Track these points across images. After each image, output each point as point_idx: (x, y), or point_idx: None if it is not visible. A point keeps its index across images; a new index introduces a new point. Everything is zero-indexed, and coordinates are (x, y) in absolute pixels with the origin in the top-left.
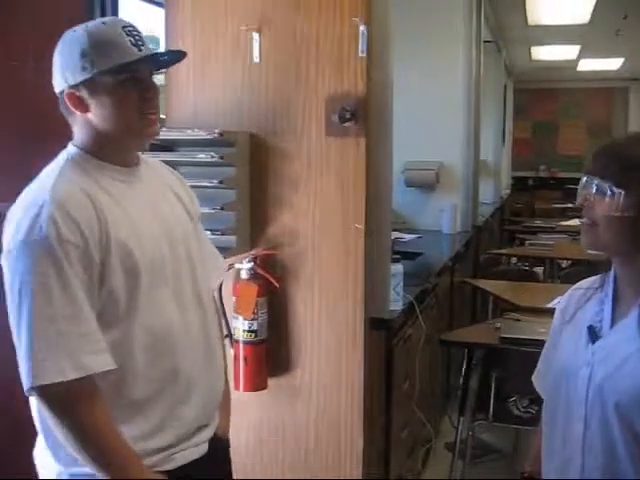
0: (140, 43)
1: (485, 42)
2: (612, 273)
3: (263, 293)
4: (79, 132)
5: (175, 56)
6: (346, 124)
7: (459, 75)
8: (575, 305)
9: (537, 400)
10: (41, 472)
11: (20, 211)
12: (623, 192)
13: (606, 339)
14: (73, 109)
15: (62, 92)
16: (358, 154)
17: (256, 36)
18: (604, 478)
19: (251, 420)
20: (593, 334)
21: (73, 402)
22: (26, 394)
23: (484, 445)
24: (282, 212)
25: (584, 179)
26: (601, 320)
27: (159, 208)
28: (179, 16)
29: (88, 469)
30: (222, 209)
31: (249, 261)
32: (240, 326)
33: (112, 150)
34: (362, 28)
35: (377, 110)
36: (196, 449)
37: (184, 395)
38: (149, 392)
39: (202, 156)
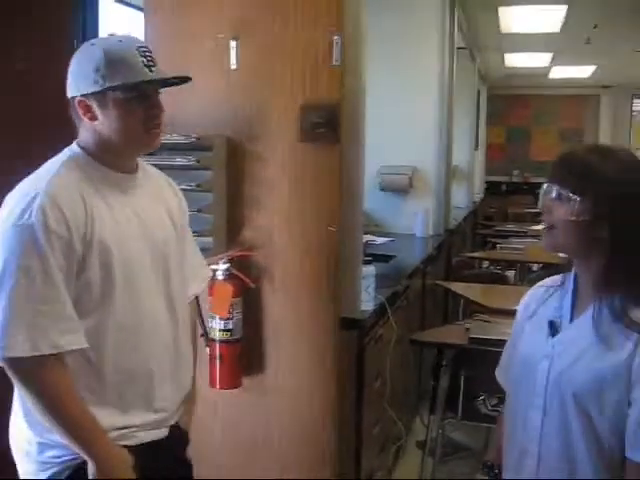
0: (152, 64)
1: (458, 49)
2: (573, 272)
3: (238, 293)
4: (84, 135)
5: (182, 80)
6: (320, 130)
7: (432, 81)
8: (537, 302)
9: (505, 399)
10: (14, 439)
11: (15, 198)
12: (579, 198)
13: (565, 333)
14: (81, 115)
15: (73, 98)
16: (331, 159)
17: (233, 43)
18: (559, 464)
19: (225, 417)
20: (553, 328)
21: (43, 375)
22: None
23: (454, 443)
24: (257, 214)
25: (545, 185)
26: (561, 315)
27: (146, 214)
28: (158, 21)
29: (57, 437)
30: (199, 211)
31: (225, 262)
32: (216, 325)
33: (113, 156)
34: (336, 37)
35: (350, 117)
36: (157, 432)
37: (150, 387)
38: (117, 380)
39: (179, 160)
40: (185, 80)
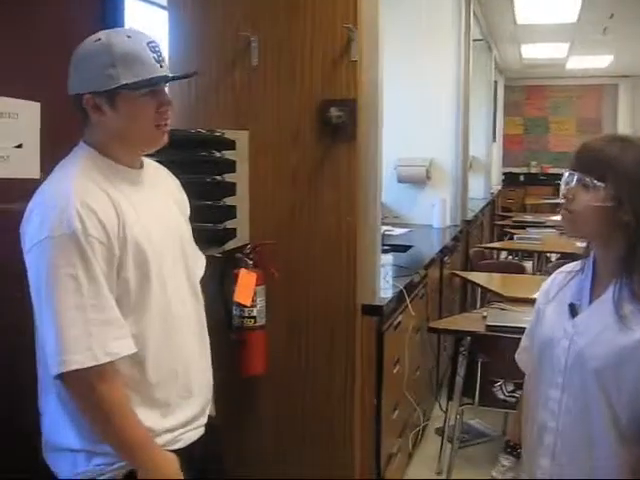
0: (161, 59)
1: (475, 41)
2: (591, 258)
3: (261, 282)
4: (92, 132)
5: (190, 75)
6: (338, 124)
7: (449, 73)
8: (558, 287)
9: (521, 385)
10: (54, 447)
11: (42, 208)
12: (602, 185)
13: (584, 314)
14: (90, 112)
15: (80, 95)
16: (350, 153)
17: (254, 40)
18: (577, 440)
19: (249, 402)
20: (573, 310)
21: (97, 385)
22: (54, 379)
23: (473, 430)
24: (279, 206)
25: (566, 174)
26: (580, 298)
27: (159, 208)
28: (181, 19)
29: (107, 447)
30: (224, 202)
31: (249, 251)
32: (240, 313)
33: (122, 152)
34: (353, 33)
35: (367, 111)
36: (197, 431)
37: (187, 381)
38: (158, 378)
39: (204, 154)
40: (192, 75)
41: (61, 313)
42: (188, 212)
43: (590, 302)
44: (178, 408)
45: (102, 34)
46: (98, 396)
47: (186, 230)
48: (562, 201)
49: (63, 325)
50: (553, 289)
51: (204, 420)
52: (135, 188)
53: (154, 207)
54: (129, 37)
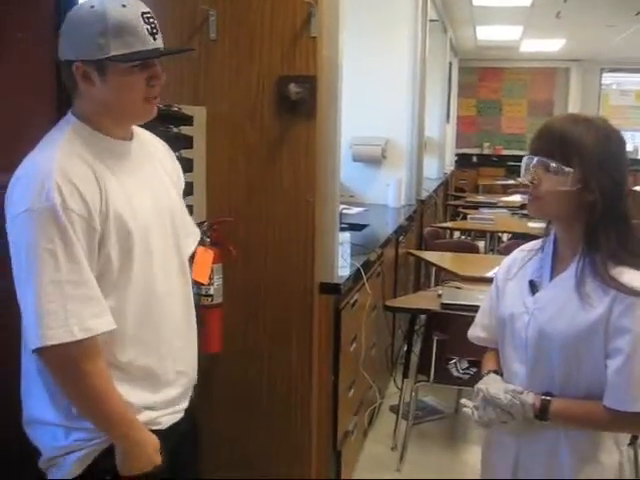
0: (155, 31)
1: (431, 21)
2: (552, 237)
3: (218, 260)
4: (81, 103)
5: (184, 50)
6: (297, 101)
7: (405, 53)
8: (518, 264)
9: (476, 362)
10: (35, 423)
11: (24, 179)
12: (569, 169)
13: (545, 291)
14: (79, 81)
15: (69, 62)
16: (308, 130)
17: (213, 14)
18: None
19: (205, 381)
20: (533, 287)
21: (78, 361)
22: (32, 354)
23: (427, 407)
24: (237, 183)
25: (526, 158)
26: (541, 275)
27: (149, 181)
28: None
29: (86, 423)
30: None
31: (205, 229)
32: (197, 291)
33: (111, 124)
34: (313, 9)
35: (327, 88)
36: (176, 415)
37: (169, 360)
38: (136, 354)
39: (161, 129)
40: (185, 50)
41: (39, 288)
42: (182, 184)
43: (551, 279)
44: (159, 386)
45: (96, 0)
46: (80, 372)
47: (177, 202)
48: (527, 182)
49: (40, 300)
50: (513, 267)
51: (185, 404)
52: (122, 161)
53: (142, 180)
54: (124, 6)
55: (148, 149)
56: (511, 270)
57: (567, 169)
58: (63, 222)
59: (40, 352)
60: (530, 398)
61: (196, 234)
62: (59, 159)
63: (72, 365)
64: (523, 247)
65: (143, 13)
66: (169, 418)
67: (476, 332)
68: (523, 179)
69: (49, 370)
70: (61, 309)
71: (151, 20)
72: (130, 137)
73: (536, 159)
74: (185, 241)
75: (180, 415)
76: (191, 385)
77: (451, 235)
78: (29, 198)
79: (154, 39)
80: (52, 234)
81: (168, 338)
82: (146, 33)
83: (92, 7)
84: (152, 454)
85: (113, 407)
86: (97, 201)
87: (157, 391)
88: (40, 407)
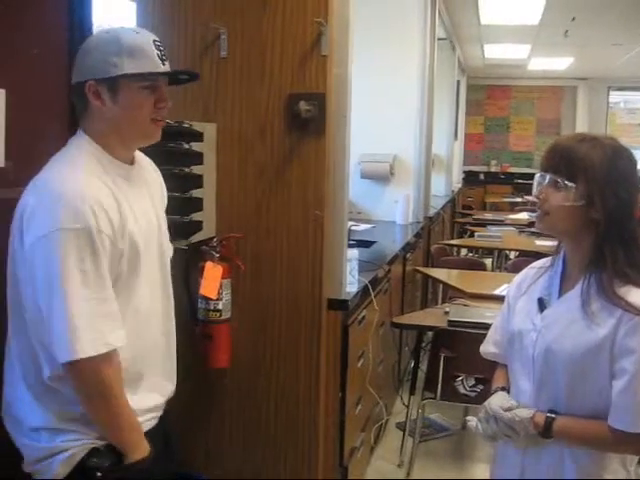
0: (164, 58)
1: (439, 40)
2: (562, 254)
3: (228, 275)
4: (90, 122)
5: (192, 77)
6: (307, 119)
7: (413, 71)
8: (528, 281)
9: (483, 380)
10: (19, 425)
11: (48, 199)
12: (574, 185)
13: (553, 309)
14: (90, 100)
15: (82, 82)
16: (318, 147)
17: (224, 32)
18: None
19: (214, 397)
20: (542, 304)
21: (103, 369)
22: (62, 367)
23: (434, 424)
24: (247, 199)
25: (538, 175)
26: (550, 293)
27: (146, 204)
28: (150, 10)
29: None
30: (191, 194)
31: (215, 244)
32: (205, 306)
33: (118, 144)
34: (324, 28)
35: (336, 106)
36: (154, 421)
37: (159, 364)
38: (134, 360)
39: (172, 145)
40: (194, 77)
41: (71, 304)
42: (165, 205)
43: (559, 297)
44: (152, 393)
45: (110, 28)
46: (102, 380)
47: (163, 223)
48: (535, 200)
49: (72, 316)
50: (524, 284)
51: (159, 413)
52: (128, 184)
53: (142, 203)
54: (137, 33)
55: (145, 174)
56: (522, 287)
57: (570, 184)
58: (97, 244)
59: (70, 365)
60: (525, 413)
61: (171, 249)
62: (85, 181)
63: (98, 373)
64: (534, 264)
65: (154, 40)
66: (149, 423)
67: (488, 348)
68: (533, 196)
69: (75, 381)
70: (90, 325)
71: (161, 48)
72: (132, 162)
73: (540, 175)
74: (168, 263)
75: (154, 422)
76: (166, 398)
77: (458, 252)
78: (58, 218)
79: (163, 64)
80: (85, 254)
81: (149, 357)
82: (157, 58)
83: (107, 33)
84: (146, 458)
85: (126, 414)
86: (117, 222)
87: (149, 396)
88: (24, 411)
